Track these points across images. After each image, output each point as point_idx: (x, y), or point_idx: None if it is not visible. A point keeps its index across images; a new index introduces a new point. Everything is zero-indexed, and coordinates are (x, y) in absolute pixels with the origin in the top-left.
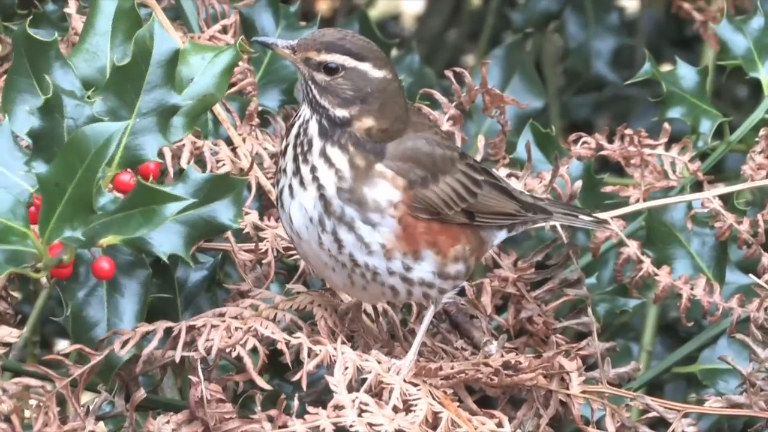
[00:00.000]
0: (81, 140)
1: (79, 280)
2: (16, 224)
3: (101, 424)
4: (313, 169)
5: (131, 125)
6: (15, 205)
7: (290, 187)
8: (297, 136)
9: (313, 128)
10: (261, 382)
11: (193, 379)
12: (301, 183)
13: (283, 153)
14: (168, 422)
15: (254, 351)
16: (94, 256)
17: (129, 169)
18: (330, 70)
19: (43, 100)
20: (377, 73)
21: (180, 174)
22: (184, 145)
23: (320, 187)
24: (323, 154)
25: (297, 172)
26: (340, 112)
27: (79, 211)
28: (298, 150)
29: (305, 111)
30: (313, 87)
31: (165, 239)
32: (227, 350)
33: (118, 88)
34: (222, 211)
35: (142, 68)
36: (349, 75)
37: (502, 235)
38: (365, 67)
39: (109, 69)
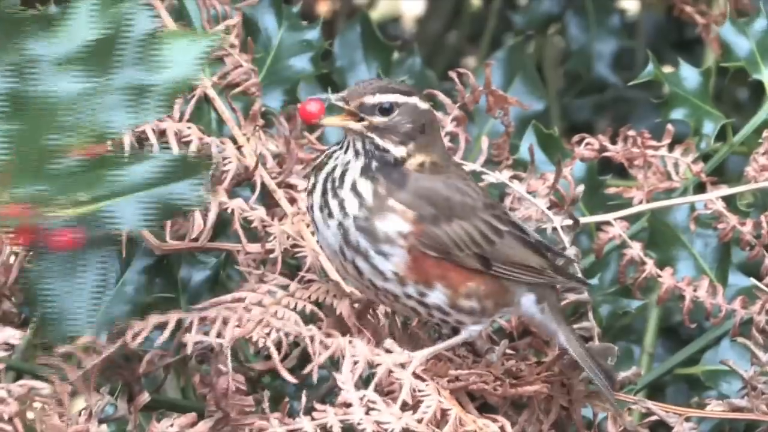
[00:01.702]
0: (38, 102)
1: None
2: None
3: (104, 426)
4: (342, 202)
5: (99, 99)
6: None
7: (315, 221)
8: (327, 177)
9: (355, 168)
10: (285, 374)
11: (222, 368)
12: (329, 215)
13: (310, 192)
14: (172, 425)
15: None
16: (54, 229)
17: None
18: (385, 110)
19: (9, 63)
20: (425, 105)
21: None
22: (191, 140)
23: (345, 216)
24: (353, 188)
25: (325, 206)
26: (400, 151)
27: (30, 172)
28: (329, 185)
29: (345, 157)
30: (371, 133)
31: (127, 214)
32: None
33: (90, 63)
34: (186, 190)
35: (115, 45)
36: (402, 111)
37: (530, 300)
38: (414, 100)
39: (82, 45)
